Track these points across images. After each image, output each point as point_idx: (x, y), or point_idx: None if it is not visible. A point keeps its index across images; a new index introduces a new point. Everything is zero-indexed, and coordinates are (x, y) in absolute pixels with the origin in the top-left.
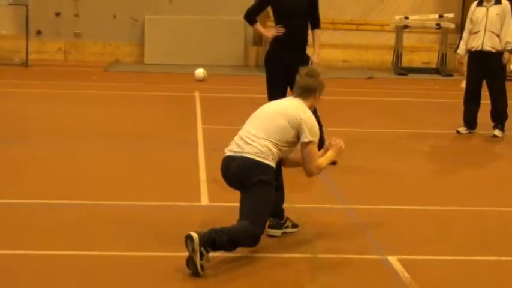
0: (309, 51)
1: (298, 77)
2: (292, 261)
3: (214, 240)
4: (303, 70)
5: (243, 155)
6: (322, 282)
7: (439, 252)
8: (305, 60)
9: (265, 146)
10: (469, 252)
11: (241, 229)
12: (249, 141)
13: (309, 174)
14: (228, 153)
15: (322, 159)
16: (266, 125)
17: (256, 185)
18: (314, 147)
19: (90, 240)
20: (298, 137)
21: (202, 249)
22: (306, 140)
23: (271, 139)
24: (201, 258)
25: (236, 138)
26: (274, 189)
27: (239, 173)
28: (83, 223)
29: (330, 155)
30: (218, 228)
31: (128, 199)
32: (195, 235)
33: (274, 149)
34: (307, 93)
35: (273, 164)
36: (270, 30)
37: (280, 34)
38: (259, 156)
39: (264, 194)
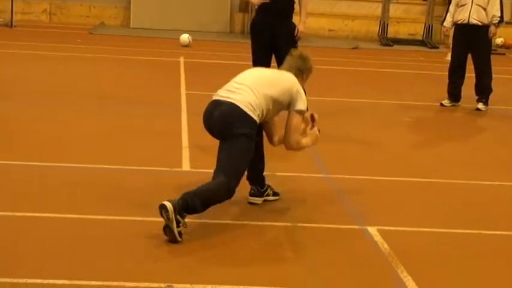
0: (295, 19)
1: (289, 57)
2: (272, 230)
3: (187, 204)
4: (295, 51)
5: (231, 101)
6: (302, 251)
7: (419, 224)
8: (291, 28)
9: (257, 98)
10: (449, 225)
11: (215, 187)
12: (241, 90)
13: (289, 146)
14: (215, 98)
15: (303, 140)
16: (262, 81)
17: (237, 137)
18: (301, 120)
19: (70, 203)
20: (288, 104)
21: (178, 216)
22: (298, 108)
23: (264, 93)
24: (178, 226)
25: (227, 85)
26: (255, 149)
27: (222, 120)
28: (63, 186)
29: (307, 141)
30: (191, 192)
31: (108, 163)
32: (168, 204)
33: (264, 105)
34: (298, 72)
35: (258, 120)
36: None
37: (266, 1)
38: (247, 107)
39: (243, 148)
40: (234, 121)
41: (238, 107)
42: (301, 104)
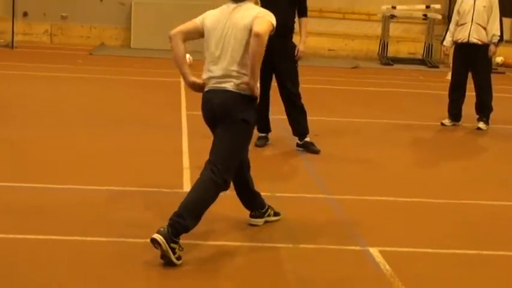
0: (295, 39)
1: None
2: (273, 251)
3: (176, 230)
4: None
5: (228, 88)
6: (303, 273)
7: (421, 244)
8: (291, 48)
9: (244, 73)
10: (450, 246)
11: (202, 196)
12: (230, 78)
13: (258, 28)
14: (209, 88)
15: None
16: (233, 52)
17: (238, 123)
18: (269, 21)
19: (70, 225)
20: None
21: (172, 245)
22: (260, 15)
23: (245, 64)
24: (174, 253)
25: (210, 72)
26: (245, 183)
27: (224, 104)
28: (62, 207)
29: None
30: (177, 213)
31: (108, 184)
32: (158, 237)
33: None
34: None
35: (258, 94)
36: None
37: None
38: (244, 90)
39: (245, 135)
40: (236, 105)
41: (235, 92)
42: (262, 13)
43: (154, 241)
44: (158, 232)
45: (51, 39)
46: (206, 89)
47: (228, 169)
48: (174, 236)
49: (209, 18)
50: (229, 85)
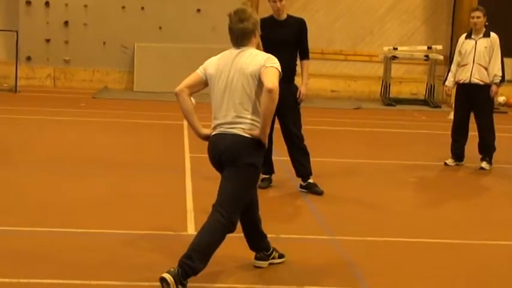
0: (297, 81)
1: (232, 27)
2: None
3: (185, 271)
4: (232, 18)
5: (236, 132)
6: None
7: (426, 286)
8: (293, 90)
9: (252, 119)
10: (455, 286)
11: (210, 238)
12: (237, 122)
13: (270, 85)
14: (217, 132)
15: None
16: (241, 99)
17: (246, 167)
18: (277, 71)
19: (73, 268)
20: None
21: (179, 286)
22: (268, 65)
23: (252, 109)
24: None
25: (220, 118)
26: (255, 224)
27: (231, 148)
28: (66, 251)
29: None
30: (187, 254)
31: (113, 228)
32: (168, 276)
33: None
34: (248, 37)
35: (266, 142)
36: None
37: None
38: (252, 135)
39: (251, 179)
40: (245, 149)
41: (243, 136)
42: (269, 62)
43: (163, 280)
44: (168, 272)
45: (54, 83)
46: (213, 133)
47: (235, 211)
48: (183, 277)
49: (211, 66)
50: (237, 130)
